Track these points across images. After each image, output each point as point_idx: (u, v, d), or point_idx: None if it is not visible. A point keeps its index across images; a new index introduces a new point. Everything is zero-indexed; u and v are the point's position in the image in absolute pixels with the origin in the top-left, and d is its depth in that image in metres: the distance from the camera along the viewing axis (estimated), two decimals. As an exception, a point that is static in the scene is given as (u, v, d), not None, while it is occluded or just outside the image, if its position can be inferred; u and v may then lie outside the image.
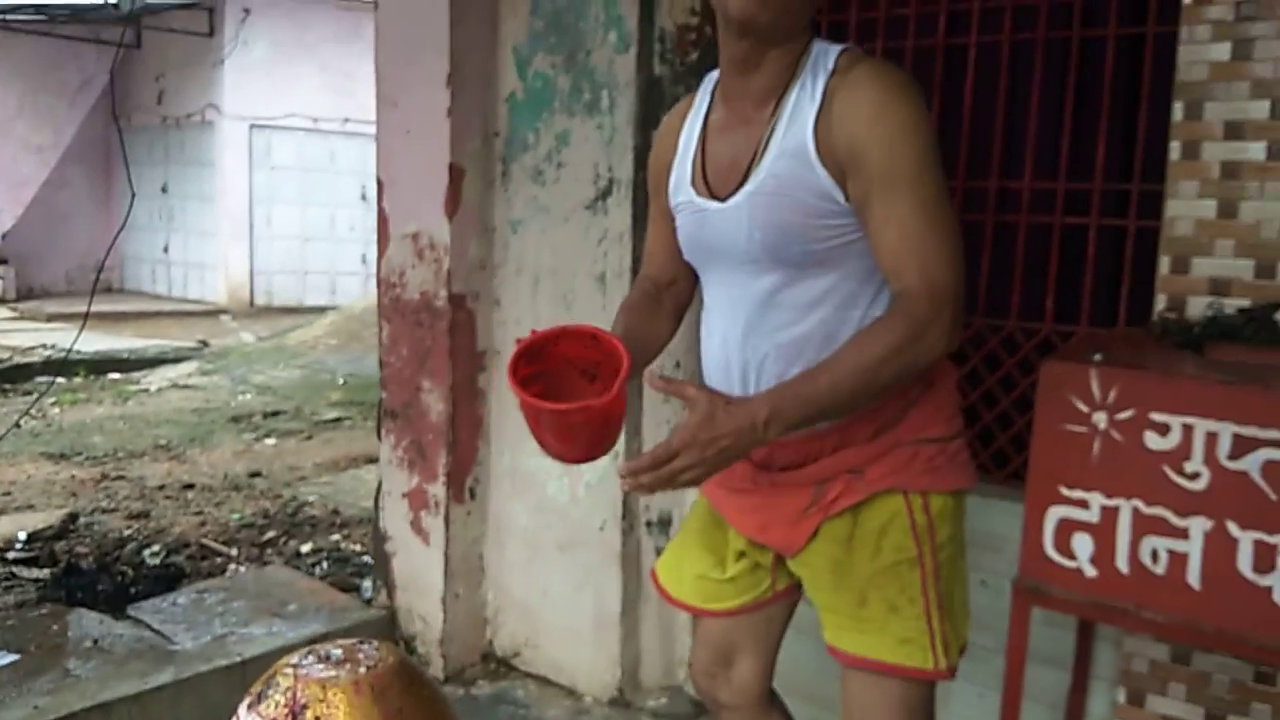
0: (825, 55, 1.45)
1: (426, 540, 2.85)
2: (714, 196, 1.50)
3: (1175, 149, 1.92)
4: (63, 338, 9.59)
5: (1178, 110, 1.91)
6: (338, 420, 6.41)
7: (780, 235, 1.43)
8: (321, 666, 1.21)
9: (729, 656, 1.74)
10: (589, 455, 1.43)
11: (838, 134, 1.38)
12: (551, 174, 2.67)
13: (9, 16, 11.68)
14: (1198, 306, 1.88)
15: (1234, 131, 1.87)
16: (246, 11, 12.13)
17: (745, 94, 1.48)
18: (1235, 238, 1.88)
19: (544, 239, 2.70)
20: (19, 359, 8.50)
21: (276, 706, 1.18)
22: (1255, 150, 1.86)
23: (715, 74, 1.58)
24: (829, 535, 1.54)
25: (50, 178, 13.36)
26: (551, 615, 2.82)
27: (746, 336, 1.51)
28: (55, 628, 2.74)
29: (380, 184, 2.88)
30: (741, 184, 1.46)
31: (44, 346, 9.10)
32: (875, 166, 1.36)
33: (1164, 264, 1.95)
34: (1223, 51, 1.88)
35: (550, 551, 2.79)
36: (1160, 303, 1.95)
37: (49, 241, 13.33)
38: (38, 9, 11.76)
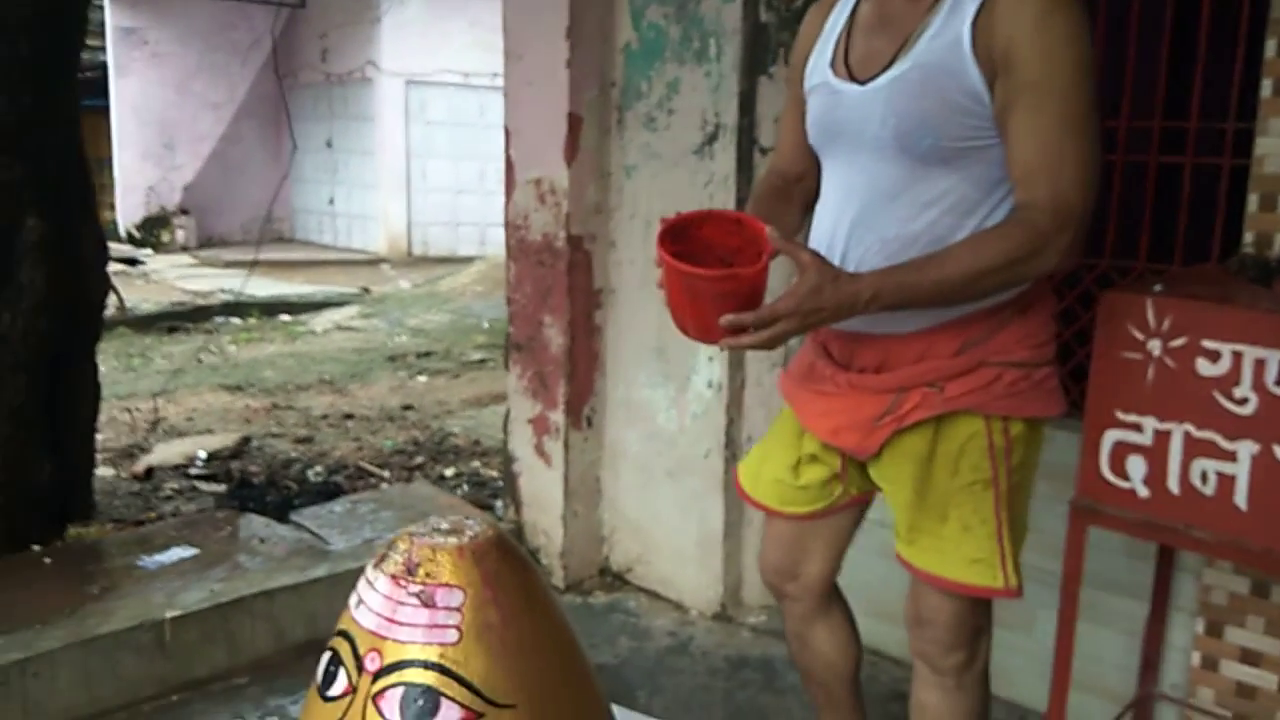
0: None
1: (549, 462, 3.10)
2: (853, 79, 1.54)
3: (1267, 86, 1.92)
4: (238, 283, 10.41)
5: (1270, 47, 1.91)
6: (482, 361, 6.80)
7: (915, 124, 1.45)
8: (433, 535, 1.45)
9: (796, 556, 1.83)
10: (723, 334, 1.43)
11: (998, 34, 1.39)
12: (663, 120, 2.83)
13: (187, -20, 12.55)
14: (1286, 243, 1.90)
15: (1329, 66, 1.87)
16: (402, -31, 12.63)
17: None
18: (1327, 174, 1.88)
19: (655, 183, 2.87)
20: (199, 301, 9.29)
21: (395, 565, 1.43)
22: (1351, 84, 1.86)
23: None
24: (907, 451, 1.59)
25: (226, 133, 14.29)
26: (661, 535, 3.03)
27: (855, 227, 1.54)
28: (229, 529, 3.13)
29: (507, 133, 3.11)
30: (885, 69, 1.48)
31: (221, 290, 9.89)
32: (1030, 73, 1.37)
33: (1252, 201, 1.97)
34: (1320, -16, 1.87)
35: (660, 477, 3.00)
36: (1248, 240, 1.97)
37: (226, 193, 14.31)
38: (212, -29, 12.61)
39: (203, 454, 4.53)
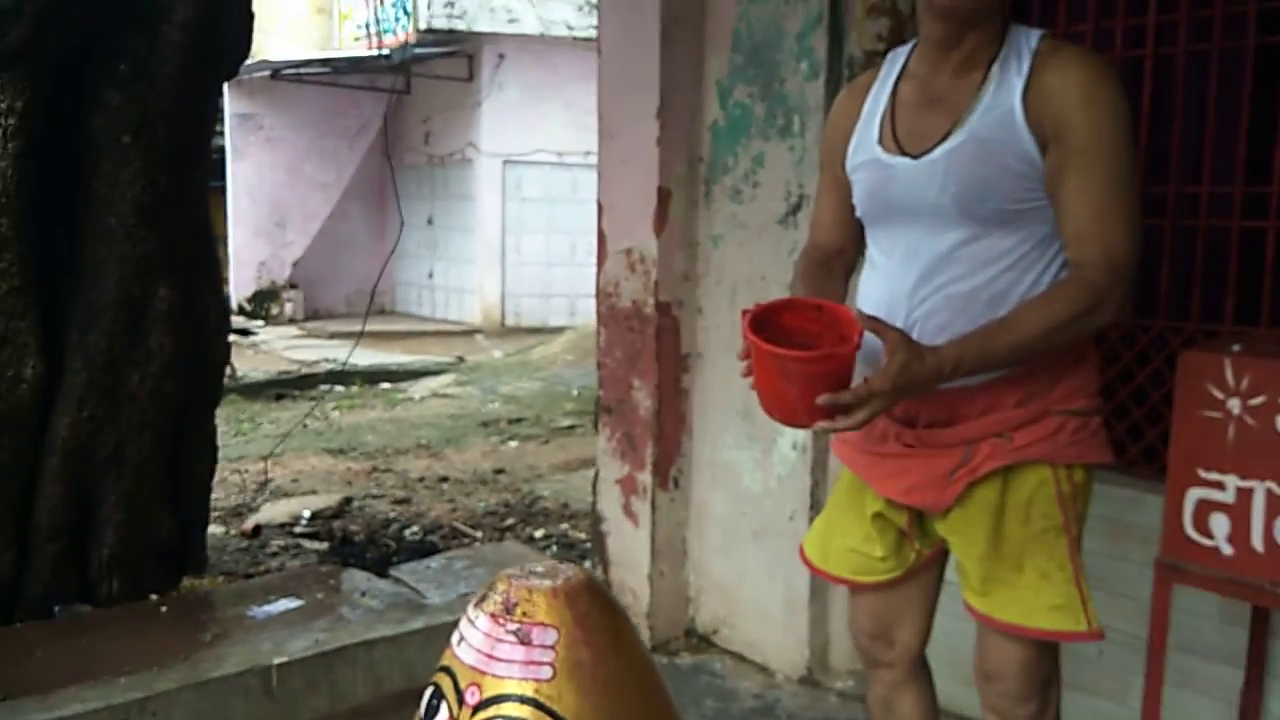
0: (1028, 35, 1.60)
1: (636, 522, 3.18)
2: (904, 154, 1.64)
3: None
4: (342, 353, 10.82)
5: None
6: (571, 427, 6.94)
7: (976, 190, 1.56)
8: (529, 577, 1.54)
9: (889, 622, 1.85)
10: (815, 417, 1.49)
11: (1046, 105, 1.53)
12: (748, 193, 2.95)
13: (301, 70, 13.33)
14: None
15: None
16: (501, 57, 13.21)
17: (943, 67, 1.63)
18: None
19: (741, 252, 2.98)
20: (305, 370, 9.71)
21: (495, 604, 1.52)
22: None
23: (900, 50, 1.74)
24: (979, 502, 1.64)
25: (333, 212, 15.02)
26: (747, 597, 3.06)
27: (918, 287, 1.62)
28: (331, 583, 3.27)
29: (600, 206, 3.27)
30: (941, 141, 1.59)
31: (326, 360, 10.32)
32: (1078, 141, 1.51)
33: (1338, 263, 1.97)
34: (1400, 50, 1.89)
35: (745, 538, 3.04)
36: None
37: (331, 268, 14.98)
38: (324, 63, 13.37)
39: (307, 513, 4.73)
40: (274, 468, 5.69)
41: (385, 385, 8.97)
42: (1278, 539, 1.58)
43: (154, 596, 3.17)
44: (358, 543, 4.18)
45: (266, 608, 3.04)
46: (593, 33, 13.34)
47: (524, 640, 1.47)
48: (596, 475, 3.36)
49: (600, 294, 3.27)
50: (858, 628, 1.92)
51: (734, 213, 3.00)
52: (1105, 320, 1.53)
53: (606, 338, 3.26)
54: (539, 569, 1.58)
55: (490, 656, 1.47)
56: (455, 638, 1.55)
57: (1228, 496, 1.64)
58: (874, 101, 1.74)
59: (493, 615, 1.51)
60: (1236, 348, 1.65)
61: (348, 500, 4.99)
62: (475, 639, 1.51)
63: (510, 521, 4.69)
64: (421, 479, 5.56)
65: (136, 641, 2.80)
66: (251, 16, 3.34)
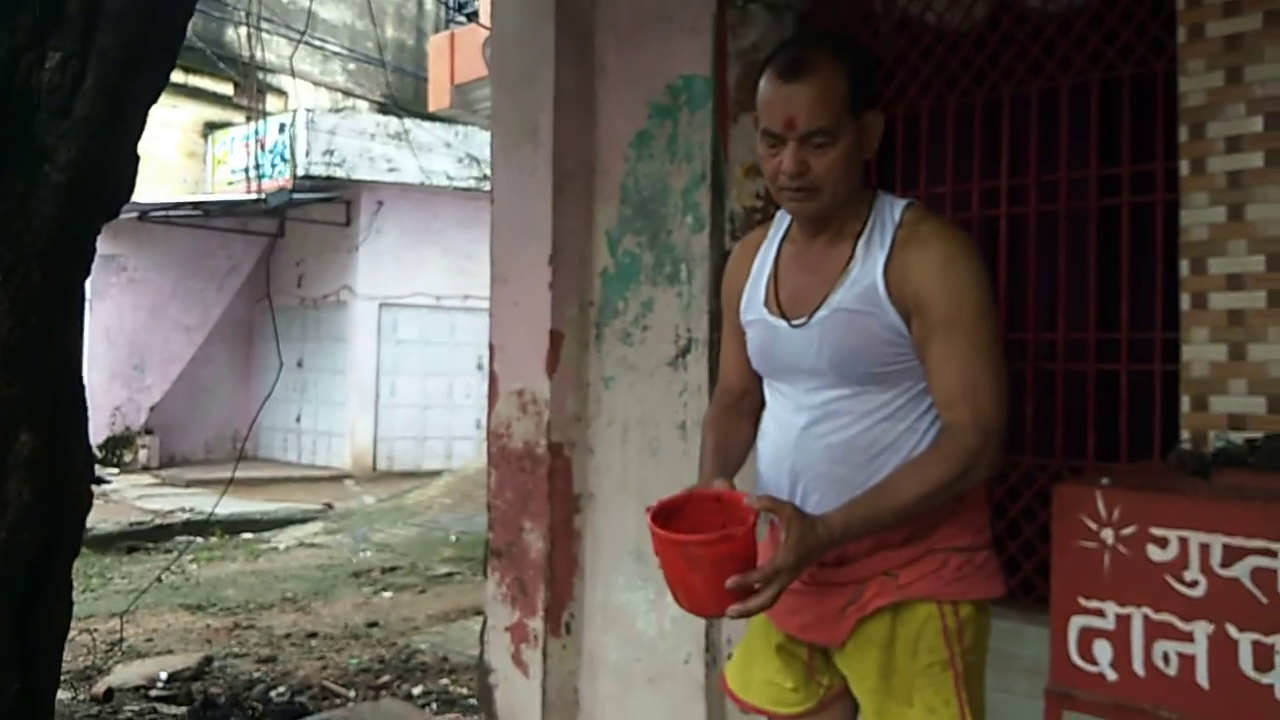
0: (893, 207, 1.71)
1: (526, 672, 3.09)
2: (785, 317, 1.76)
3: (1186, 300, 2.15)
4: (200, 501, 10.33)
5: (1184, 266, 2.15)
6: (449, 575, 6.75)
7: (848, 356, 1.68)
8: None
9: None
10: (724, 603, 1.55)
11: (906, 281, 1.64)
12: (638, 336, 3.03)
13: (170, 213, 13.11)
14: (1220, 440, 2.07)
15: (1235, 283, 2.10)
16: (380, 203, 13.34)
17: (816, 239, 1.76)
18: (1247, 377, 2.08)
19: (631, 393, 3.04)
20: (160, 521, 9.19)
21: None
22: (1256, 298, 2.08)
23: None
24: (869, 637, 1.72)
25: (196, 355, 14.54)
26: (641, 746, 2.99)
27: (800, 438, 1.73)
28: (195, 750, 3.04)
29: (492, 349, 3.29)
30: (815, 310, 1.71)
31: (183, 510, 9.81)
32: (939, 314, 1.62)
33: (1185, 403, 2.15)
34: (1219, 214, 2.12)
35: (640, 685, 2.99)
36: (1185, 437, 2.14)
37: (191, 413, 14.40)
38: (195, 205, 13.20)
39: (164, 675, 4.42)
40: (127, 626, 5.30)
41: (248, 535, 8.56)
42: (1157, 663, 1.67)
43: (-8, 773, 2.87)
44: (220, 705, 3.91)
45: (122, 781, 2.79)
46: (471, 183, 13.69)
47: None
48: (485, 623, 3.27)
49: (491, 435, 3.26)
50: None
51: (624, 355, 3.07)
52: (979, 478, 1.63)
53: (497, 479, 3.23)
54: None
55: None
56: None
57: (1108, 623, 1.72)
58: (762, 259, 1.85)
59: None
60: (1106, 481, 1.76)
61: (208, 660, 4.69)
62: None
63: (386, 678, 4.48)
64: (288, 635, 5.27)
65: (-29, 825, 2.52)
66: (137, 159, 3.29)
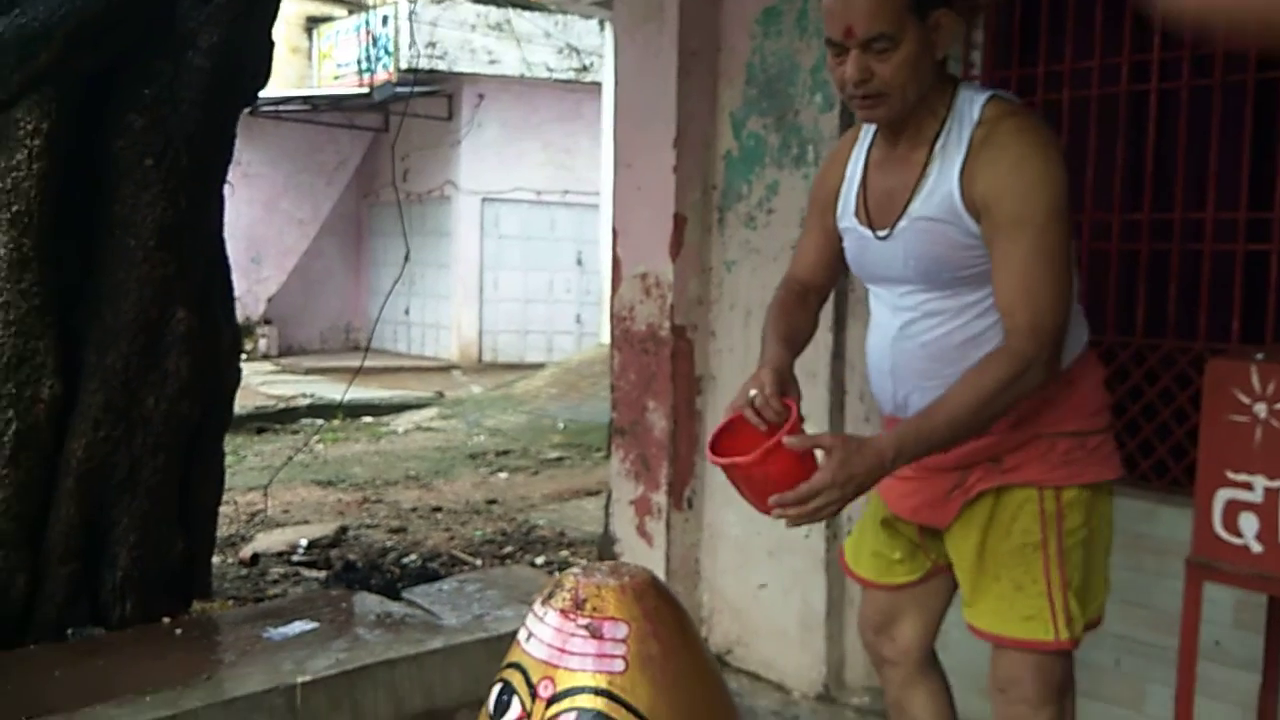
0: (971, 104, 1.66)
1: (650, 543, 3.22)
2: (873, 226, 1.76)
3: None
4: (318, 388, 10.81)
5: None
6: (560, 459, 6.97)
7: (932, 263, 1.69)
8: (595, 574, 1.59)
9: (894, 618, 1.96)
10: (771, 511, 1.59)
11: (979, 181, 1.62)
12: (762, 219, 3.04)
13: (279, 108, 13.37)
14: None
15: None
16: (481, 97, 13.36)
17: (894, 146, 1.74)
18: None
19: (754, 277, 3.06)
20: (284, 405, 9.65)
21: (564, 600, 1.56)
22: None
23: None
24: (971, 519, 1.77)
25: (309, 248, 15.02)
26: (761, 616, 3.11)
27: (896, 339, 1.77)
28: (345, 605, 3.27)
29: (615, 232, 3.34)
30: (897, 220, 1.70)
31: (304, 395, 10.28)
32: (1006, 213, 1.59)
33: (1343, 281, 2.09)
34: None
35: (760, 556, 3.09)
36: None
37: (306, 305, 14.95)
38: (304, 99, 13.43)
39: (304, 542, 4.71)
40: (263, 499, 5.65)
41: (368, 419, 8.94)
42: (1305, 536, 1.67)
43: (166, 620, 3.15)
44: (359, 569, 4.16)
45: (283, 629, 3.03)
46: (571, 75, 13.57)
47: (596, 634, 1.51)
48: (609, 497, 3.40)
49: (614, 318, 3.33)
50: (864, 621, 2.04)
51: (748, 239, 3.09)
52: (1035, 384, 1.58)
53: (621, 361, 3.31)
54: (603, 568, 1.63)
55: (563, 650, 1.51)
56: (523, 634, 1.59)
57: (1256, 496, 1.72)
58: (854, 164, 1.83)
59: (562, 611, 1.55)
60: (1260, 356, 1.74)
61: (343, 529, 4.98)
62: (545, 634, 1.55)
63: (508, 549, 4.71)
64: (414, 509, 5.55)
65: (155, 662, 2.79)
66: (272, 44, 3.39)
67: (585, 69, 13.07)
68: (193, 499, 3.42)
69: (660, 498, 3.19)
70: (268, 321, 14.48)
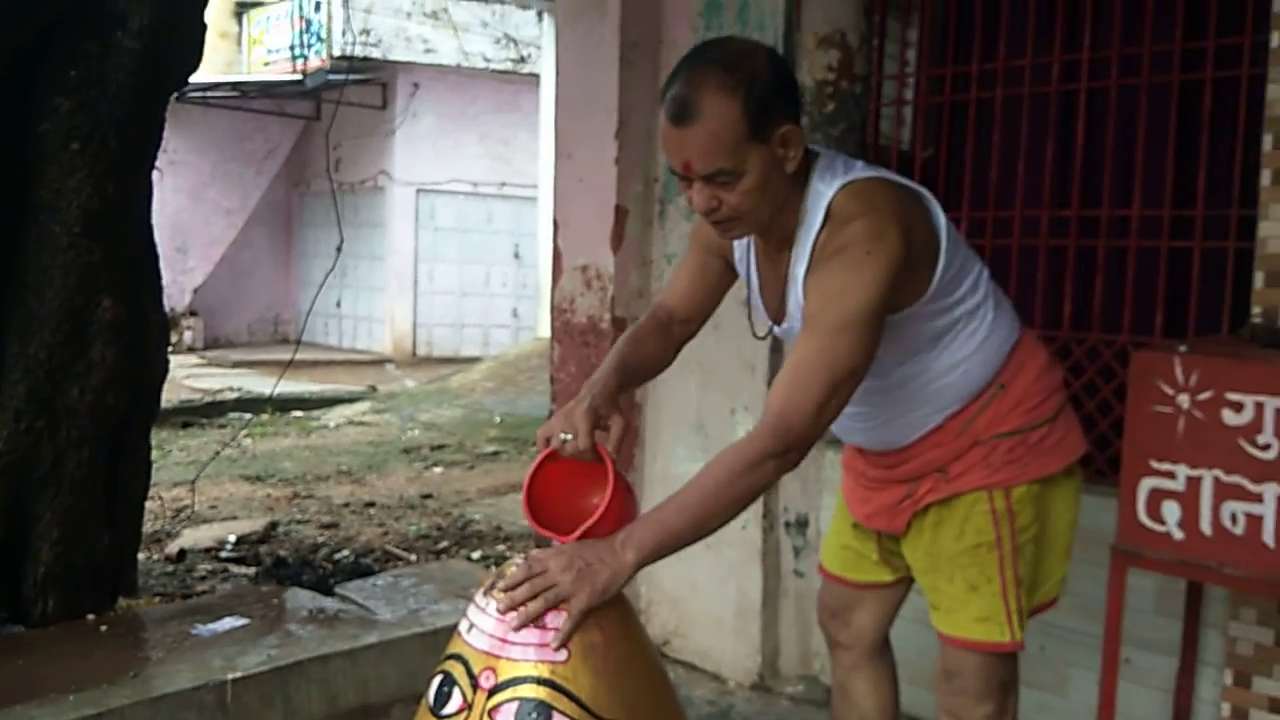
0: (819, 202, 1.59)
1: (589, 536, 3.21)
2: (768, 313, 1.78)
3: (1266, 176, 2.15)
4: (246, 381, 10.59)
5: (1267, 142, 2.14)
6: (496, 454, 6.92)
7: None
8: (536, 564, 1.58)
9: (851, 607, 1.99)
10: None
11: None
12: (704, 212, 3.05)
13: (207, 94, 13.05)
14: (1291, 316, 2.09)
15: (1320, 158, 2.09)
16: (416, 86, 13.20)
17: (769, 238, 1.69)
18: (1324, 254, 2.09)
19: (696, 269, 3.07)
20: (210, 398, 9.44)
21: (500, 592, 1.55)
22: (1341, 174, 2.08)
23: None
24: (922, 526, 1.79)
25: (236, 238, 14.70)
26: (698, 607, 3.13)
27: None
28: (275, 601, 3.21)
29: (556, 224, 3.32)
30: (781, 320, 1.73)
31: (230, 389, 10.06)
32: (809, 309, 1.56)
33: (1258, 279, 2.17)
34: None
35: (697, 549, 3.06)
36: (1256, 312, 2.16)
37: (234, 296, 14.63)
38: (233, 86, 13.12)
39: (232, 538, 4.61)
40: (189, 494, 5.52)
41: (298, 413, 8.77)
42: (1225, 523, 1.73)
43: (90, 617, 3.06)
44: (290, 565, 4.09)
45: (212, 626, 2.97)
46: (508, 65, 13.43)
47: (538, 624, 1.51)
48: (548, 489, 3.38)
49: (555, 310, 3.32)
50: (821, 605, 2.07)
51: (688, 231, 3.08)
52: (769, 479, 1.54)
53: (561, 353, 3.31)
54: (533, 558, 1.62)
55: (504, 641, 1.50)
56: (464, 625, 1.57)
57: (1178, 485, 1.78)
58: (739, 242, 1.77)
59: (500, 606, 1.54)
60: (1183, 348, 1.81)
61: (273, 525, 4.88)
62: (486, 625, 1.53)
63: (444, 544, 4.66)
64: (347, 504, 5.46)
65: (80, 660, 2.70)
66: (204, 27, 3.31)
67: (523, 60, 12.99)
68: (118, 493, 3.32)
69: (599, 490, 3.18)
70: (193, 313, 14.15)
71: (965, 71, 2.77)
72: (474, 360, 11.69)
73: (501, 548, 4.59)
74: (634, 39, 3.09)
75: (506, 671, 1.48)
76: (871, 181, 1.61)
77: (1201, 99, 2.39)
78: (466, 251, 13.81)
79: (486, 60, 12.97)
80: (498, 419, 8.01)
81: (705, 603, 3.11)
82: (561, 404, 3.31)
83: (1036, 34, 2.61)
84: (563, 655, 1.48)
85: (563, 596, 1.46)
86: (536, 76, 10.96)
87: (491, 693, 1.47)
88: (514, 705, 1.46)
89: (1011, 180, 2.70)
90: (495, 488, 5.91)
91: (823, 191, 1.59)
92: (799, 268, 1.61)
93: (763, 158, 1.53)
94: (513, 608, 1.48)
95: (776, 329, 1.77)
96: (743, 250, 1.78)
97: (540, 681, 1.46)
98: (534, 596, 1.47)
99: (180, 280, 14.14)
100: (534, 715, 1.45)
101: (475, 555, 4.46)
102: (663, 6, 3.11)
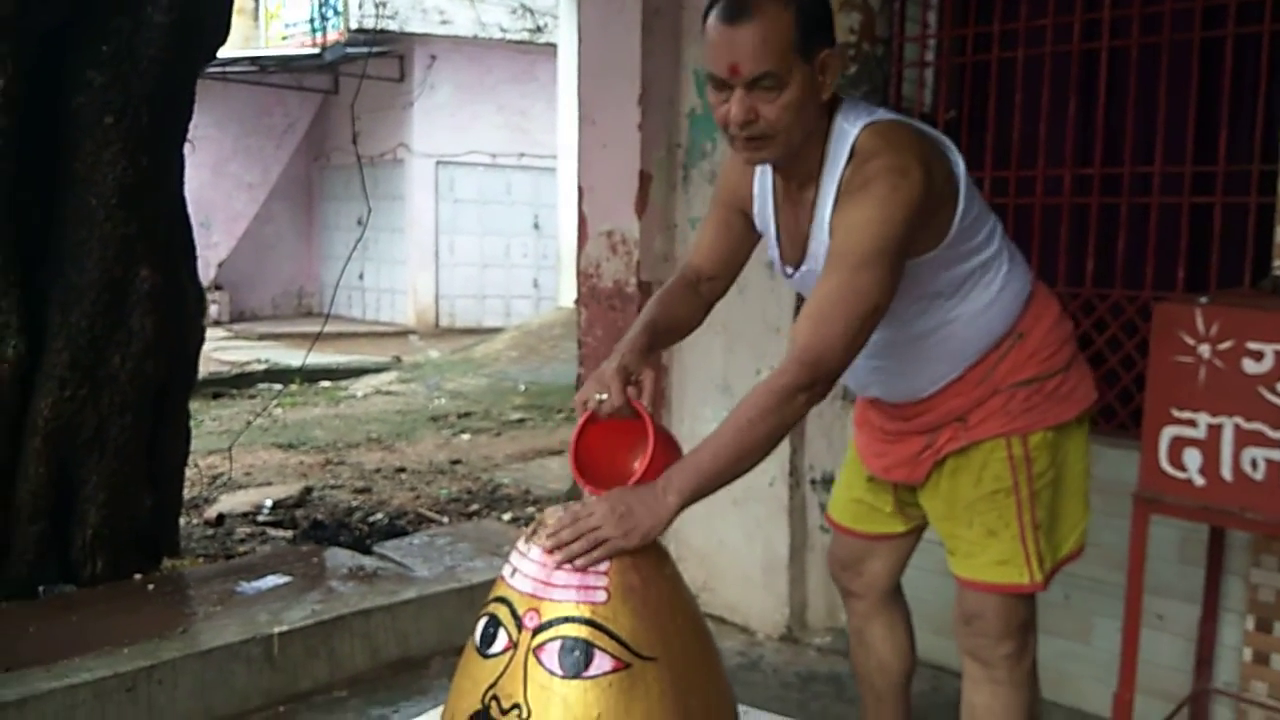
0: (843, 139, 1.60)
1: (618, 495, 3.28)
2: (784, 261, 1.78)
3: (1290, 130, 2.17)
4: (273, 354, 10.71)
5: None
6: (521, 420, 7.01)
7: None
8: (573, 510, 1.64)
9: (863, 558, 2.04)
10: None
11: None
12: (728, 175, 3.09)
13: (226, 69, 13.09)
14: (1312, 268, 2.12)
15: (1343, 111, 2.11)
16: (433, 58, 13.19)
17: (790, 177, 1.69)
18: (1346, 206, 2.11)
19: (721, 232, 3.11)
20: (239, 370, 9.57)
21: (545, 537, 1.62)
22: (1364, 126, 2.09)
23: None
24: (941, 474, 1.83)
25: (259, 213, 14.79)
26: (726, 562, 3.20)
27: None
28: (316, 560, 3.31)
29: (580, 190, 3.37)
30: (800, 262, 1.73)
31: (258, 360, 10.19)
32: (834, 245, 1.57)
33: (1279, 233, 2.20)
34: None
35: (725, 505, 3.18)
36: (1277, 265, 2.19)
37: (257, 270, 14.75)
38: (252, 60, 13.16)
39: (268, 502, 4.72)
40: (224, 462, 5.63)
41: (325, 384, 8.89)
42: (1245, 469, 1.78)
43: (137, 576, 3.17)
44: (327, 527, 4.19)
45: (256, 583, 3.07)
46: (525, 36, 13.37)
47: (578, 567, 1.57)
48: (577, 451, 3.46)
49: (581, 275, 3.37)
50: (832, 557, 2.12)
51: (711, 196, 3.13)
52: (800, 413, 1.55)
53: (588, 317, 3.36)
54: (578, 506, 1.69)
55: (547, 584, 1.57)
56: (508, 570, 1.64)
57: (1199, 433, 1.82)
58: (761, 190, 1.78)
59: (545, 547, 1.61)
60: (1204, 300, 1.84)
61: (308, 490, 4.99)
62: (529, 569, 1.60)
63: (475, 507, 4.75)
64: (378, 470, 5.57)
65: (130, 617, 2.81)
66: (231, 1, 3.36)
67: (539, 29, 12.95)
68: (160, 458, 3.42)
69: (628, 450, 3.24)
70: (218, 287, 14.27)
71: (987, 32, 2.79)
72: (496, 331, 11.77)
73: (531, 510, 4.68)
74: (656, 5, 3.11)
75: (550, 612, 1.55)
76: (894, 123, 1.64)
77: (1223, 56, 2.40)
78: (487, 223, 13.85)
79: (503, 30, 12.93)
80: (522, 387, 8.09)
81: (733, 558, 3.18)
82: (589, 367, 3.39)
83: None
84: (602, 597, 1.55)
85: (607, 538, 1.51)
86: (553, 46, 10.94)
87: (536, 631, 1.54)
88: (557, 643, 1.52)
89: (1034, 140, 2.72)
90: (522, 453, 6.00)
91: (847, 130, 1.61)
92: (824, 207, 1.63)
93: (805, 75, 1.54)
94: (559, 548, 1.53)
95: (792, 276, 1.77)
96: (763, 198, 1.78)
97: (582, 621, 1.53)
98: (578, 538, 1.52)
99: (205, 255, 14.15)
100: (577, 652, 1.51)
101: (506, 517, 4.54)
102: (685, -29, 3.13)
